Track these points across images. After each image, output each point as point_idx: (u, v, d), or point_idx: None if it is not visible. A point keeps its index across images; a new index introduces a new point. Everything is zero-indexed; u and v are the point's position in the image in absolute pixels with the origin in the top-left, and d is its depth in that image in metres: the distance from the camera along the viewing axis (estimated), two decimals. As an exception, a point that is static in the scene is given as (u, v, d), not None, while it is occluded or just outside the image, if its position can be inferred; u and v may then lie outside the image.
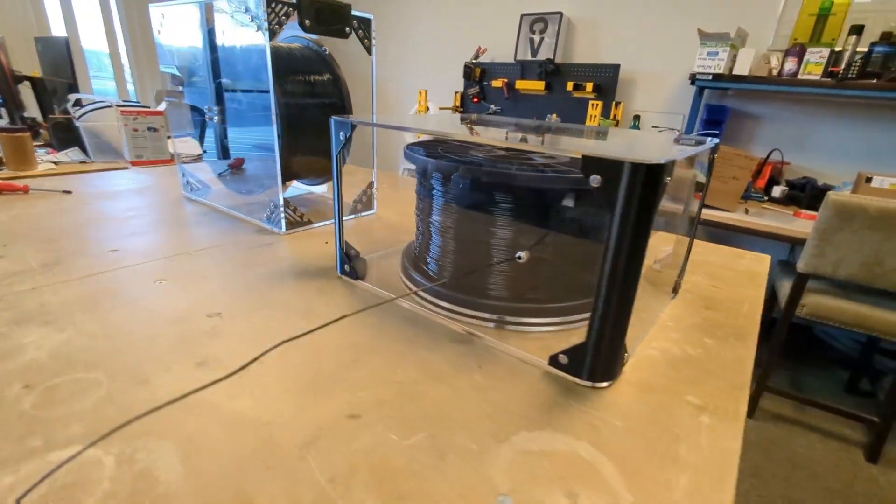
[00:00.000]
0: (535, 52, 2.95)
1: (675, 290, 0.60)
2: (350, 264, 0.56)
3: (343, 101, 0.79)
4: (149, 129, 1.82)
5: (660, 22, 2.58)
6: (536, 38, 2.92)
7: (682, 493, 0.29)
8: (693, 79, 2.23)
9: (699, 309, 0.56)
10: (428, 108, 3.04)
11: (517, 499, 0.28)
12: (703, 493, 0.29)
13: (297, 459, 0.30)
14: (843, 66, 1.97)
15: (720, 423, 0.36)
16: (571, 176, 0.43)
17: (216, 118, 0.74)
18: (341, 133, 0.49)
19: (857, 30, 1.95)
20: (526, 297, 0.48)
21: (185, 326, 0.44)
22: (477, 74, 3.17)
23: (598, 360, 0.39)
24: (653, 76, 2.69)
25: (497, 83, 3.06)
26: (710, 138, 0.56)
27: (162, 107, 2.34)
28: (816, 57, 1.97)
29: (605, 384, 0.40)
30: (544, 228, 0.46)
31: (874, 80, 1.90)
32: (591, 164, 0.34)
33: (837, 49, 1.97)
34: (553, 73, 2.88)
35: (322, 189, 0.97)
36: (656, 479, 0.30)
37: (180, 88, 0.82)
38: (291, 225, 0.72)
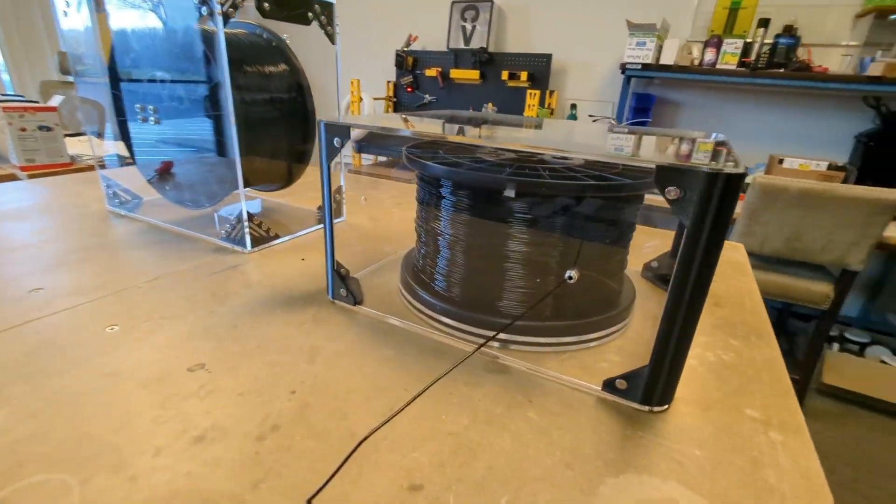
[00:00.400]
0: (467, 41, 2.92)
1: (681, 288, 0.59)
2: (346, 287, 0.48)
3: (303, 96, 0.70)
4: (40, 128, 1.56)
5: (588, 12, 2.66)
6: (468, 26, 2.89)
7: (797, 533, 0.27)
8: (624, 68, 2.32)
9: (708, 306, 0.56)
10: (361, 99, 2.91)
11: (638, 572, 0.24)
12: (814, 527, 0.27)
13: (368, 564, 0.24)
14: (753, 56, 2.14)
15: (791, 439, 0.35)
16: (618, 182, 0.39)
17: (151, 118, 0.62)
18: (336, 139, 0.42)
19: (765, 23, 2.13)
20: (550, 313, 0.44)
21: (164, 388, 0.35)
22: (409, 63, 3.09)
23: (659, 382, 0.36)
24: (583, 65, 2.77)
25: (431, 72, 3.00)
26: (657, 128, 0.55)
27: (55, 102, 2.02)
28: (732, 48, 2.12)
29: (664, 407, 0.37)
30: (570, 237, 0.42)
31: (781, 70, 2.08)
32: (665, 174, 0.30)
33: (749, 40, 2.13)
34: (487, 62, 2.87)
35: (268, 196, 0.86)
36: (763, 517, 0.28)
37: (98, 80, 0.68)
38: (257, 241, 0.62)
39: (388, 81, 3.20)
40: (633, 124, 2.42)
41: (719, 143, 0.48)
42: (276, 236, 0.65)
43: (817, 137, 2.30)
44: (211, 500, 0.26)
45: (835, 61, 2.15)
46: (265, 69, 0.67)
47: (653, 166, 0.30)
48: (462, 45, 2.90)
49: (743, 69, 2.13)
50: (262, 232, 0.63)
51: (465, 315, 0.44)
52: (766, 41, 2.12)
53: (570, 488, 0.29)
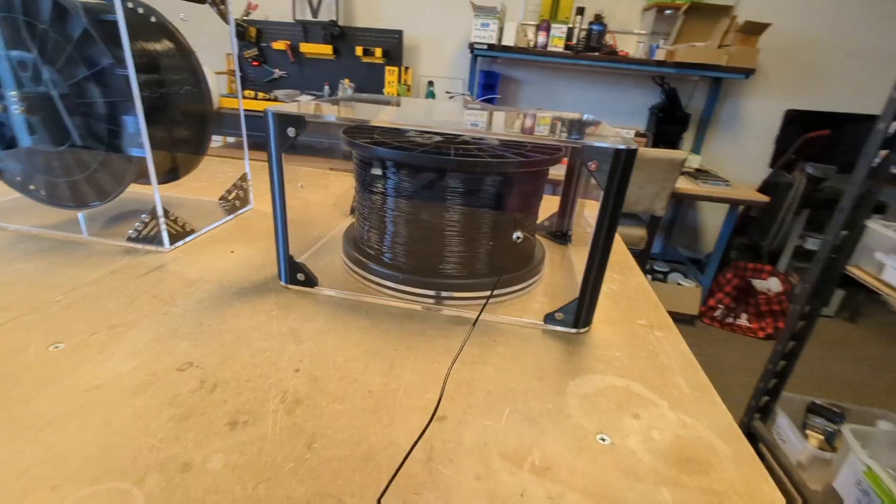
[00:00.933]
0: (315, 13, 2.80)
1: (569, 240, 0.73)
2: (304, 271, 0.50)
3: (197, 78, 0.65)
4: None
5: (433, -10, 2.75)
6: (314, -4, 2.76)
7: (687, 388, 0.41)
8: (472, 48, 2.49)
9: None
10: (199, 73, 2.59)
11: (606, 431, 0.35)
12: (693, 382, 0.42)
13: None
14: (574, 40, 2.50)
15: (667, 334, 0.49)
16: (544, 158, 0.48)
17: (15, 107, 0.52)
18: (290, 129, 0.43)
19: (580, 11, 2.48)
20: (489, 271, 0.53)
21: (162, 390, 0.35)
22: (252, 34, 2.84)
23: (583, 310, 0.47)
24: (433, 43, 2.88)
25: (279, 45, 2.81)
26: (494, 97, 0.69)
27: None
28: (558, 32, 2.44)
29: (587, 329, 0.49)
30: (502, 205, 0.51)
31: (596, 53, 2.47)
32: (590, 151, 0.40)
33: (571, 26, 2.47)
34: (339, 36, 2.79)
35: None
36: (667, 384, 0.41)
37: None
38: (174, 238, 0.58)
39: (228, 54, 2.90)
40: (484, 101, 2.63)
41: (595, 122, 0.61)
42: (193, 230, 0.61)
43: (624, 109, 2.81)
44: (274, 466, 0.29)
45: (632, 47, 2.62)
46: (147, 47, 0.61)
47: (580, 146, 0.40)
48: (310, 17, 2.76)
49: (568, 52, 2.47)
50: (179, 228, 0.59)
51: (423, 281, 0.50)
52: (582, 27, 2.48)
53: (548, 392, 0.39)
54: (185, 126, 0.65)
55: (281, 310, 0.47)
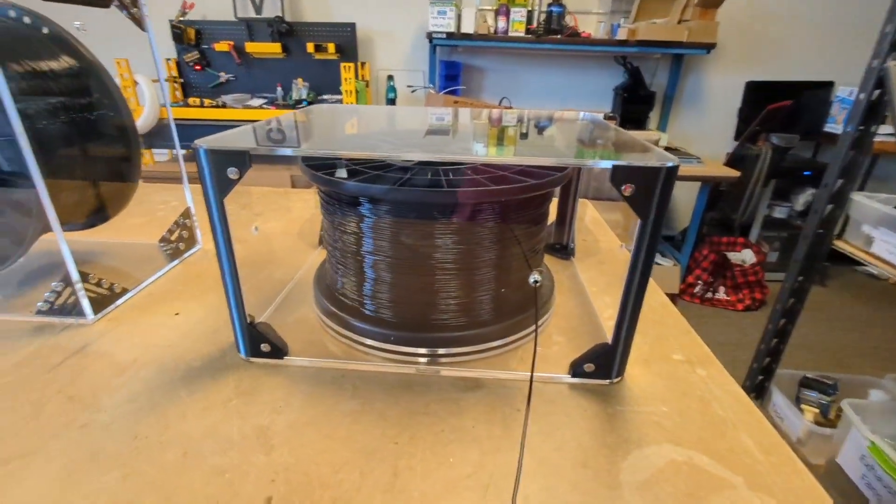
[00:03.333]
0: (258, 9, 2.62)
1: (572, 253, 0.65)
2: (267, 340, 0.40)
3: (112, 100, 0.53)
4: None
5: (383, -22, 2.61)
6: (255, -9, 2.58)
7: (759, 452, 0.33)
8: (430, 37, 2.37)
9: (594, 264, 0.63)
10: (136, 83, 2.38)
11: (688, 542, 0.27)
12: (763, 442, 0.34)
13: None
14: (535, 23, 2.41)
15: (711, 370, 0.42)
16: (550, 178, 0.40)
17: None
18: (231, 170, 0.33)
19: (540, -8, 2.40)
20: (493, 317, 0.44)
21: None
22: (191, 36, 2.63)
23: (617, 358, 0.39)
24: (388, 34, 2.75)
25: (222, 46, 2.62)
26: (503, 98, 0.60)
27: None
28: (518, 16, 2.35)
29: (620, 377, 0.41)
30: (502, 238, 0.42)
31: (557, 36, 2.39)
32: (620, 172, 0.31)
33: (530, 9, 2.39)
34: (287, 33, 2.62)
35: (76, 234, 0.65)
36: (734, 449, 0.33)
37: None
38: (99, 304, 0.47)
39: (168, 59, 2.68)
40: (448, 92, 2.52)
41: (603, 124, 0.53)
42: (124, 290, 0.50)
43: (589, 92, 2.76)
44: None
45: (593, 27, 2.56)
46: (41, 66, 0.48)
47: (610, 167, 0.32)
48: (253, 14, 2.58)
49: (529, 36, 2.38)
50: (104, 290, 0.47)
51: (416, 337, 0.41)
52: (542, 10, 2.40)
53: (596, 486, 0.30)
54: (103, 157, 0.53)
55: (243, 397, 0.37)
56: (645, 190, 0.32)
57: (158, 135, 2.56)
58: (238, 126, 0.39)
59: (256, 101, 2.61)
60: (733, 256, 2.48)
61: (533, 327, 0.45)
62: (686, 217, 2.98)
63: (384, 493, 0.29)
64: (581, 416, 0.36)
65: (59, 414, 0.34)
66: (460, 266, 0.40)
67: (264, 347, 0.40)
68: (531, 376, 0.38)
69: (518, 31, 2.38)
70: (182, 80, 2.71)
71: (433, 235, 0.39)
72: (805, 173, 2.58)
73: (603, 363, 0.39)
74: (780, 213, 2.73)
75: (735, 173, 2.14)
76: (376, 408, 0.36)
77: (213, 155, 0.32)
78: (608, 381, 0.40)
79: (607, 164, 0.32)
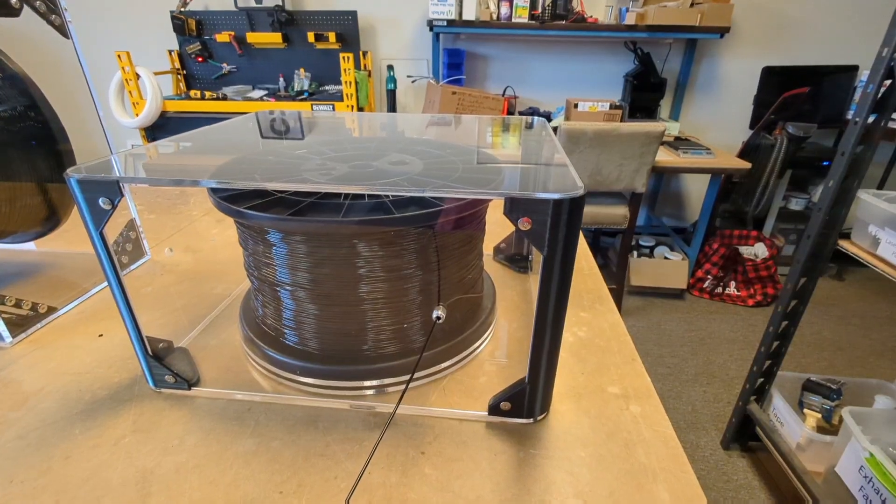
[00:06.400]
0: (259, -1, 2.59)
1: (531, 266, 0.62)
2: (170, 370, 0.39)
3: (36, 108, 0.52)
4: None
5: (384, -35, 2.55)
6: (255, -20, 2.55)
7: (674, 511, 0.30)
8: (431, 25, 2.32)
9: (554, 279, 0.60)
10: (138, 76, 2.39)
11: None
12: (680, 494, 0.31)
13: None
14: (539, 8, 2.33)
15: (646, 407, 0.39)
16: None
17: None
18: (101, 200, 0.31)
19: (543, -24, 2.31)
20: (419, 346, 0.42)
21: None
22: (193, 27, 2.63)
23: (538, 397, 0.36)
24: (390, 22, 2.69)
25: (223, 37, 2.60)
26: (538, 119, 0.56)
27: None
28: (522, 1, 2.27)
29: (544, 415, 0.38)
30: (427, 264, 0.40)
31: (563, 22, 2.31)
32: (517, 205, 0.28)
33: (534, -7, 2.30)
34: (288, 22, 2.59)
35: (25, 245, 0.65)
36: (644, 500, 0.31)
37: None
38: (18, 326, 0.46)
39: (171, 51, 2.68)
40: (449, 82, 2.47)
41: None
42: (51, 310, 0.49)
43: (597, 79, 2.66)
44: None
45: (601, 12, 2.46)
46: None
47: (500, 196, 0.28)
48: (253, 4, 2.55)
49: (534, 22, 2.31)
50: (25, 310, 0.46)
51: (330, 370, 0.39)
52: (547, -6, 2.32)
53: (484, 550, 0.28)
54: (32, 168, 0.51)
55: (137, 435, 0.35)
56: (544, 222, 0.29)
57: (163, 128, 2.58)
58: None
59: (257, 93, 2.60)
60: (745, 250, 2.39)
61: (462, 354, 0.43)
62: (696, 209, 2.88)
63: (248, 554, 0.27)
64: (489, 463, 0.34)
65: (-55, 451, 0.33)
66: (380, 294, 0.38)
67: (169, 378, 0.38)
68: (383, 430, 0.36)
69: (522, 16, 2.31)
70: (185, 72, 2.72)
71: (345, 264, 0.36)
72: (825, 163, 2.45)
73: (520, 402, 0.36)
74: (796, 204, 2.62)
75: (745, 165, 2.05)
76: (272, 447, 0.34)
77: (84, 185, 0.30)
78: (529, 420, 0.37)
79: (498, 195, 0.28)
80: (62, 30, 0.48)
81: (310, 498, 0.31)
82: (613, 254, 2.69)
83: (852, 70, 2.42)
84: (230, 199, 0.35)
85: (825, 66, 2.43)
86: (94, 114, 0.57)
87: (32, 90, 0.51)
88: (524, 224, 0.29)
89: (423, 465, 0.33)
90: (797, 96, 2.30)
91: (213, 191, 0.37)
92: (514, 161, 0.46)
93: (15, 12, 0.43)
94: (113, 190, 0.30)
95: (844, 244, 1.17)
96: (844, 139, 1.05)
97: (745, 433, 1.49)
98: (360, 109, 2.44)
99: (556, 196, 0.28)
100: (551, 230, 0.29)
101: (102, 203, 0.31)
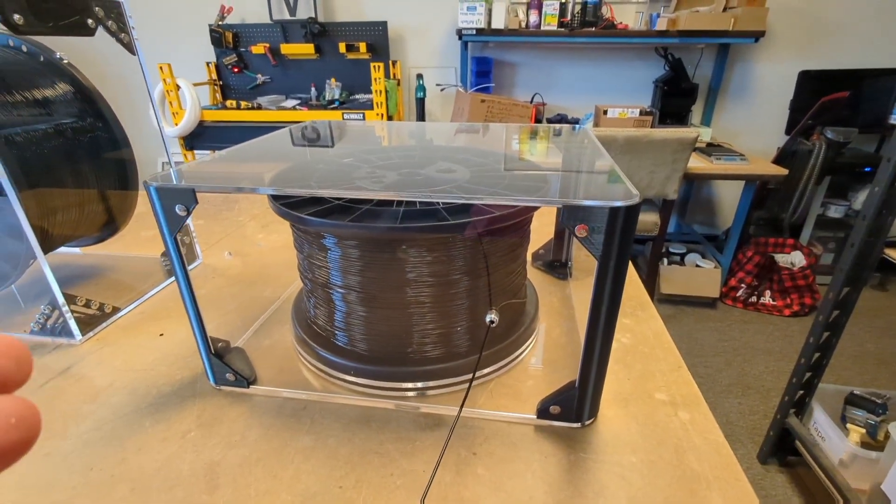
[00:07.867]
0: (293, 11, 2.67)
1: (570, 272, 0.62)
2: (231, 368, 0.40)
3: (105, 122, 0.55)
4: None
5: (414, -25, 2.60)
6: (290, -6, 2.63)
7: (731, 519, 0.30)
8: (460, 34, 2.34)
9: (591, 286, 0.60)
10: (178, 87, 2.49)
11: None
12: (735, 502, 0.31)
13: None
14: (569, 16, 2.33)
15: (695, 415, 0.39)
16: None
17: None
18: (178, 207, 0.33)
19: (573, -17, 2.31)
20: (467, 349, 0.43)
21: None
22: (230, 40, 2.72)
23: (587, 401, 0.37)
24: (420, 31, 2.74)
25: (258, 49, 2.69)
26: (576, 126, 0.57)
27: None
28: (551, 9, 2.28)
29: (592, 420, 0.38)
30: (476, 269, 0.41)
31: (593, 28, 2.30)
32: (575, 212, 0.29)
33: (563, 1, 2.31)
34: (320, 34, 2.66)
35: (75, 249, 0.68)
36: (702, 512, 0.31)
37: None
38: (87, 325, 0.49)
39: (208, 63, 2.79)
40: (478, 90, 2.49)
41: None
42: (115, 310, 0.52)
43: (627, 86, 2.64)
44: None
45: (631, 18, 2.45)
46: (37, 94, 0.50)
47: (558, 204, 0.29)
48: (287, 16, 2.63)
49: (563, 29, 2.31)
50: (93, 310, 0.49)
51: (380, 370, 0.40)
52: (576, 1, 2.32)
53: (541, 550, 0.28)
54: (98, 177, 0.55)
55: (202, 429, 0.37)
56: (601, 230, 0.29)
57: (200, 136, 2.68)
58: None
59: (290, 103, 2.67)
60: (781, 258, 2.32)
61: (507, 359, 0.43)
62: (728, 216, 2.81)
63: (314, 545, 0.28)
64: (540, 465, 0.34)
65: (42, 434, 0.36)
66: (429, 299, 0.39)
67: (229, 377, 0.40)
68: (451, 429, 0.36)
69: (551, 24, 2.31)
70: (221, 83, 2.82)
71: (398, 269, 0.37)
72: (866, 169, 2.36)
73: (569, 405, 0.37)
74: (835, 212, 2.53)
75: (781, 171, 2.00)
76: (329, 445, 0.36)
77: (162, 192, 0.33)
78: (577, 424, 0.37)
79: (557, 203, 0.29)
80: (129, 47, 0.51)
81: (368, 493, 0.32)
82: (643, 261, 2.64)
83: (894, 73, 2.33)
84: (290, 206, 0.37)
85: (865, 70, 2.35)
86: (137, 123, 0.60)
87: (100, 103, 0.54)
88: (581, 231, 0.29)
89: (475, 465, 0.34)
90: (836, 101, 2.23)
91: (274, 197, 0.39)
92: (558, 168, 0.47)
93: (91, 32, 0.46)
94: (189, 197, 0.32)
95: (891, 253, 1.12)
96: (891, 144, 1.01)
97: (784, 447, 1.44)
98: (390, 118, 2.48)
99: (614, 204, 0.28)
100: (607, 237, 0.29)
101: (178, 210, 0.33)
